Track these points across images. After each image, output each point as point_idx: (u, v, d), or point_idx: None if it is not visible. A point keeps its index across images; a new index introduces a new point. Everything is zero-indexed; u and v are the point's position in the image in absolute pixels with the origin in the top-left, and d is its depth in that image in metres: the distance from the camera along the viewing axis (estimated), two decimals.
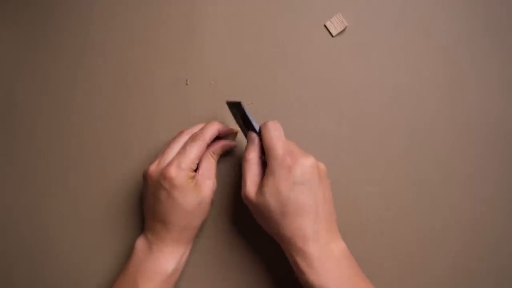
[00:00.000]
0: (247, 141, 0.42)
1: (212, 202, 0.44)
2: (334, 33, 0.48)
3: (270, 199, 0.37)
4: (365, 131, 0.47)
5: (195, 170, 0.43)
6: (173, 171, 0.39)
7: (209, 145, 0.43)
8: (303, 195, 0.37)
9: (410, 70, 0.48)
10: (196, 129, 0.44)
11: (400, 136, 0.47)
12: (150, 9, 0.50)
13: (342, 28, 0.48)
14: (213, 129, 0.43)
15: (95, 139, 0.49)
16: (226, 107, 0.48)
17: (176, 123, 0.48)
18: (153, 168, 0.41)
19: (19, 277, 0.48)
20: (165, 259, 0.41)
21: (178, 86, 0.49)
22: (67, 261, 0.48)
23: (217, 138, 0.44)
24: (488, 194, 0.46)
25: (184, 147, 0.41)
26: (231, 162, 0.47)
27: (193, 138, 0.42)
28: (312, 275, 0.36)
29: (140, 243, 0.42)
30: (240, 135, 0.47)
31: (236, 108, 0.43)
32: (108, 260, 0.47)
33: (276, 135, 0.39)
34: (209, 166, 0.44)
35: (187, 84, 0.49)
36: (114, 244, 0.48)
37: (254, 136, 0.42)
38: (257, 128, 0.42)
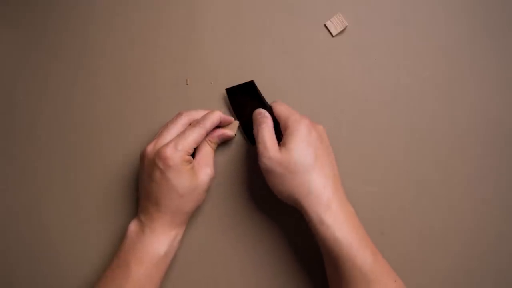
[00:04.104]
0: (256, 117, 0.43)
1: (208, 190, 0.45)
2: (334, 33, 0.48)
3: (297, 154, 0.38)
4: (365, 131, 0.47)
5: (193, 157, 0.43)
6: (168, 151, 0.40)
7: (207, 134, 0.44)
8: (324, 151, 0.40)
9: (410, 70, 0.48)
10: (195, 112, 0.45)
11: (400, 136, 0.47)
12: (150, 9, 0.50)
13: (342, 28, 0.48)
14: (214, 118, 0.44)
15: (95, 139, 0.50)
16: (227, 107, 0.49)
17: None
18: (150, 148, 0.42)
19: (19, 277, 0.48)
20: (157, 241, 0.41)
21: (178, 86, 0.49)
22: (67, 261, 0.48)
23: (217, 127, 0.45)
24: (488, 194, 0.46)
25: (183, 132, 0.42)
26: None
27: (193, 124, 0.43)
28: (339, 232, 0.37)
29: (133, 225, 0.43)
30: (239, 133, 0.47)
31: (243, 91, 0.45)
32: (108, 261, 0.47)
33: (289, 106, 0.43)
34: (207, 154, 0.44)
35: (187, 84, 0.49)
36: (114, 244, 0.48)
37: (263, 111, 0.43)
38: (267, 107, 0.44)
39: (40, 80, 0.51)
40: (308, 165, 0.38)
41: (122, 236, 0.46)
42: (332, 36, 0.48)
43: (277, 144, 0.40)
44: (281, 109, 0.42)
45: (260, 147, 0.40)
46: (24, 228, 0.49)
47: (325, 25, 0.48)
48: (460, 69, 0.47)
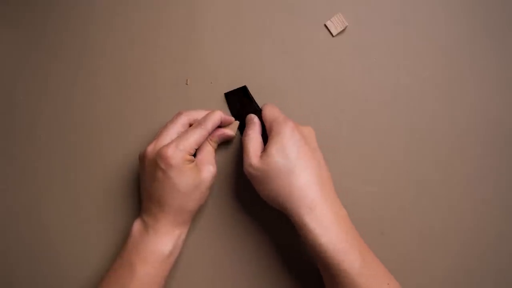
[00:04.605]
0: (246, 122, 0.44)
1: (211, 188, 0.44)
2: (334, 33, 0.48)
3: (278, 157, 0.38)
4: (365, 131, 0.47)
5: (194, 157, 0.43)
6: (170, 151, 0.40)
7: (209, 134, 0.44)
8: (308, 153, 0.39)
9: (410, 70, 0.48)
10: (195, 112, 0.45)
11: (400, 136, 0.47)
12: (150, 9, 0.50)
13: (342, 28, 0.48)
14: (215, 118, 0.44)
15: (95, 139, 0.50)
16: (227, 107, 0.49)
17: None
18: (150, 148, 0.42)
19: (19, 277, 0.48)
20: (161, 240, 0.41)
21: (178, 86, 0.49)
22: (67, 261, 0.48)
23: (218, 127, 0.45)
24: (488, 194, 0.46)
25: (185, 132, 0.42)
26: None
27: (195, 125, 0.43)
28: (323, 237, 0.36)
29: (137, 225, 0.42)
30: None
31: (238, 95, 0.47)
32: (109, 261, 0.47)
33: (278, 109, 0.43)
34: (208, 152, 0.44)
35: (187, 84, 0.49)
36: (115, 244, 0.48)
37: (253, 116, 0.44)
38: (257, 110, 0.46)
39: (40, 80, 0.51)
40: (289, 168, 0.38)
41: (122, 235, 0.46)
42: (332, 36, 0.48)
43: (260, 150, 0.41)
44: (267, 112, 0.43)
45: (244, 154, 0.41)
46: (24, 228, 0.49)
47: (325, 25, 0.48)
48: (460, 69, 0.47)
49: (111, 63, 0.50)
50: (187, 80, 0.49)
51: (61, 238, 0.48)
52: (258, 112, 0.45)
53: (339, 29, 0.48)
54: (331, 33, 0.48)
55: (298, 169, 0.38)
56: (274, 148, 0.38)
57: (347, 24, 0.48)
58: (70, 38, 0.51)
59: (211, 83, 0.49)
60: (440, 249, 0.46)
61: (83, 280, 0.48)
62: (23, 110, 0.51)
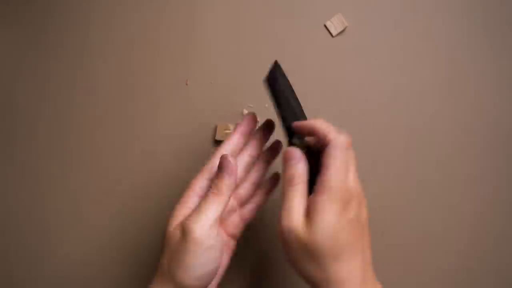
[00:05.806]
0: (285, 162, 0.34)
1: None
2: (334, 33, 0.48)
3: (325, 240, 0.30)
4: (365, 131, 0.47)
5: None
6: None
7: None
8: (359, 233, 0.33)
9: (410, 70, 0.48)
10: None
11: (400, 136, 0.47)
12: (150, 9, 0.50)
13: (342, 28, 0.48)
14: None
15: (95, 139, 0.50)
16: (226, 107, 0.48)
17: (176, 123, 0.48)
18: None
19: (19, 277, 0.48)
20: None
21: (178, 86, 0.49)
22: (67, 261, 0.48)
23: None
24: (488, 194, 0.46)
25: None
26: None
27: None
28: None
29: None
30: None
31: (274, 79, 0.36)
32: (108, 260, 0.47)
33: (337, 155, 0.34)
34: None
35: (187, 84, 0.49)
36: (114, 244, 0.48)
37: (294, 151, 0.34)
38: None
39: (40, 80, 0.51)
40: (333, 255, 0.31)
41: (121, 235, 0.46)
42: (332, 36, 0.48)
43: (302, 209, 0.32)
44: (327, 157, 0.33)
45: (283, 211, 0.32)
46: (24, 228, 0.49)
47: (325, 26, 0.48)
48: (460, 69, 0.47)
49: (111, 63, 0.50)
50: (187, 80, 0.49)
51: (61, 238, 0.48)
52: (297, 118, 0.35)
53: (339, 30, 0.48)
54: (330, 34, 0.48)
55: (345, 255, 0.31)
56: (321, 226, 0.30)
57: (347, 24, 0.48)
58: (70, 38, 0.51)
59: (211, 83, 0.49)
60: (440, 249, 0.46)
61: (83, 280, 0.48)
62: (23, 110, 0.51)
